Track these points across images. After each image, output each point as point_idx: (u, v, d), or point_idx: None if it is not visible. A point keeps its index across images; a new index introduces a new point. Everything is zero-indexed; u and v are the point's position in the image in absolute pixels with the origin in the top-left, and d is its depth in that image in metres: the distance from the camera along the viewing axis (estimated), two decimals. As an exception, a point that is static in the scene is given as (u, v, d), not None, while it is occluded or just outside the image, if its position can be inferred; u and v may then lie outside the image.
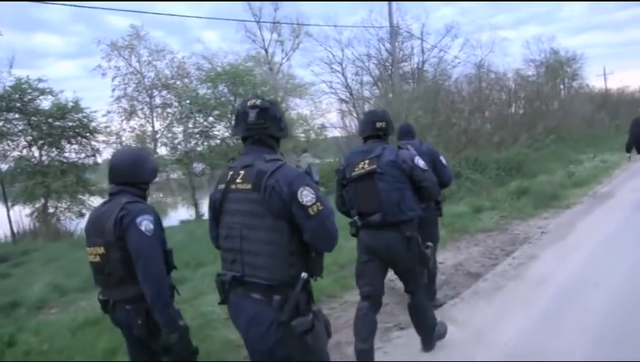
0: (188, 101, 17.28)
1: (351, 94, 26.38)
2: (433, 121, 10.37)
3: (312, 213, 1.88)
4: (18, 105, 16.95)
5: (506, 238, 6.90)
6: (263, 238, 1.92)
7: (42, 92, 17.40)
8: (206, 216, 13.87)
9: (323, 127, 24.99)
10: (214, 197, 2.12)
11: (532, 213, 8.30)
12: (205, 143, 17.75)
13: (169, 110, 19.24)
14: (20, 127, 17.45)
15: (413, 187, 3.05)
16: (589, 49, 73.00)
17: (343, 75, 27.20)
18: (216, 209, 2.10)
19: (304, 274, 1.92)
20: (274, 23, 26.64)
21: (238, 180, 2.00)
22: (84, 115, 17.57)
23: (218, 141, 17.92)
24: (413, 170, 3.02)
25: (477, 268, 5.58)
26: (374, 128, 3.19)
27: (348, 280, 4.84)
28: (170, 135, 17.97)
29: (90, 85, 59.03)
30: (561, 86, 35.15)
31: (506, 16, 55.92)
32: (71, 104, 17.46)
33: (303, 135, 22.73)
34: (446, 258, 5.99)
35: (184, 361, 2.34)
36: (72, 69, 48.81)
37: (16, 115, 17.21)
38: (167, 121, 18.71)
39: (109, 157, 20.79)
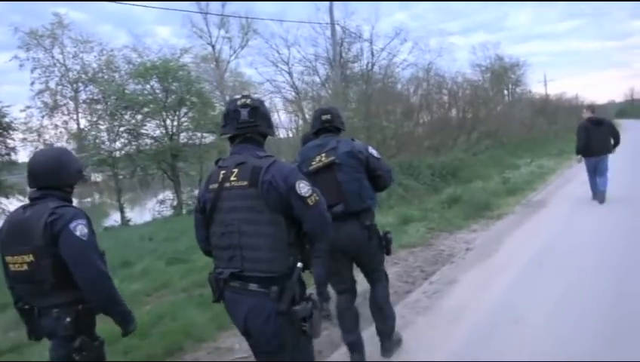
0: (114, 97, 15.77)
1: (297, 94, 25.42)
2: (366, 124, 9.60)
3: (311, 203, 1.99)
4: None
5: (429, 256, 6.15)
6: (262, 232, 1.97)
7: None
8: (133, 222, 12.53)
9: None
10: (205, 198, 2.14)
11: (461, 224, 7.63)
12: (134, 143, 16.32)
13: (98, 106, 17.63)
14: None
15: (368, 176, 3.05)
16: (532, 57, 75.82)
17: (289, 74, 26.24)
18: (206, 209, 2.12)
19: (300, 264, 2.02)
20: (220, 15, 25.30)
21: (232, 178, 2.03)
22: (-6, 110, 15.78)
23: (148, 141, 16.54)
24: (368, 159, 3.03)
25: (388, 296, 4.75)
26: (321, 121, 3.16)
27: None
28: (94, 133, 16.34)
29: (25, 79, 54.84)
30: (505, 91, 35.61)
31: (456, 24, 56.87)
32: (-21, 98, 15.64)
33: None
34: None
35: None
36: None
37: None
38: (95, 118, 17.03)
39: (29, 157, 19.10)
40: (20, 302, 2.29)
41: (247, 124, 2.09)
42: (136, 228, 14.40)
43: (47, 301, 2.15)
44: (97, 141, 15.89)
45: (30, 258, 2.13)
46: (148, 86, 16.16)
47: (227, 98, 25.47)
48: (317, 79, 25.97)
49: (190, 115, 17.30)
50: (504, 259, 5.58)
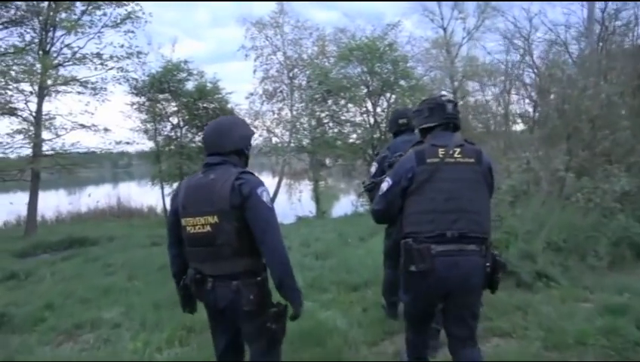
0: (317, 82, 14.40)
1: (537, 75, 20.02)
2: (633, 102, 5.30)
3: (494, 183, 2.47)
4: (168, 86, 16.60)
5: None
6: (482, 200, 2.34)
7: (190, 73, 16.78)
8: (333, 215, 11.16)
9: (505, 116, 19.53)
10: (417, 170, 2.33)
11: None
12: (336, 129, 14.74)
13: (307, 92, 16.75)
14: (174, 109, 17.16)
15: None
16: None
17: (528, 52, 20.86)
18: (414, 180, 2.33)
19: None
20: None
21: (457, 155, 2.33)
22: (220, 95, 16.40)
23: (351, 128, 14.73)
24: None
25: None
26: (397, 124, 3.57)
27: None
28: (297, 118, 15.41)
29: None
30: None
31: None
32: (209, 84, 16.46)
33: (481, 125, 17.85)
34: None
35: (272, 345, 2.19)
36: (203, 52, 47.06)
37: (168, 96, 16.95)
38: (302, 104, 16.14)
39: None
40: (179, 273, 2.29)
41: (452, 115, 2.45)
42: (326, 222, 12.78)
43: (225, 267, 2.07)
44: (299, 126, 14.88)
45: (215, 219, 2.05)
46: (353, 69, 14.26)
47: (456, 84, 22.17)
48: (567, 58, 20.11)
49: (399, 100, 14.77)
50: None
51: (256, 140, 17.57)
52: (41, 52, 14.06)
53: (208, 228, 2.04)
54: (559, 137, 6.03)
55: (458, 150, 2.31)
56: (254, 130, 17.79)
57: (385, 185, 2.44)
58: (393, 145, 3.43)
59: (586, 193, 4.77)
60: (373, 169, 3.49)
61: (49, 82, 13.96)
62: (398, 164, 2.45)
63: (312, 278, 5.11)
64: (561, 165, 4.98)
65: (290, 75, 17.32)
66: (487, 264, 2.24)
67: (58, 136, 15.05)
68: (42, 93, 14.26)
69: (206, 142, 2.24)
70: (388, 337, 3.39)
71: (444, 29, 25.07)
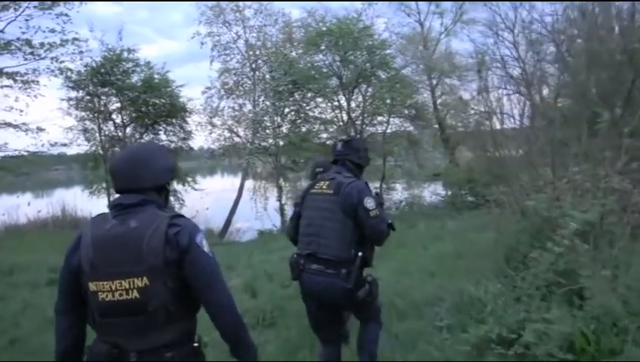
0: (281, 72, 11.89)
1: (524, 70, 18.01)
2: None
3: (372, 216, 2.49)
4: (112, 78, 13.78)
5: None
6: (335, 227, 2.50)
7: (136, 64, 14.03)
8: None
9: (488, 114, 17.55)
10: (304, 198, 2.72)
11: None
12: (304, 128, 12.27)
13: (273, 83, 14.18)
14: (117, 105, 14.36)
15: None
16: None
17: (513, 44, 18.81)
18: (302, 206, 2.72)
19: (360, 253, 2.49)
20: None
21: (324, 186, 2.60)
22: (171, 89, 13.70)
23: (319, 126, 12.27)
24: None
25: None
26: (314, 173, 3.46)
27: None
28: (257, 114, 12.79)
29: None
30: None
31: None
32: (157, 76, 13.73)
33: (460, 124, 15.81)
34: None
35: None
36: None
37: (111, 90, 14.13)
38: (262, 98, 13.54)
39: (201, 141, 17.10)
40: (70, 350, 1.64)
41: (340, 153, 2.74)
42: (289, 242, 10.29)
43: (156, 339, 1.52)
44: (261, 125, 12.31)
45: (144, 281, 1.50)
46: (321, 57, 11.79)
47: (434, 82, 20.12)
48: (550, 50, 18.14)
49: (376, 93, 12.42)
50: None
51: (216, 141, 14.92)
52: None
53: (135, 293, 1.49)
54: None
55: (327, 183, 2.60)
56: (213, 128, 15.37)
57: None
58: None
59: None
60: (290, 213, 3.50)
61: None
62: None
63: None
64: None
65: (253, 66, 14.69)
66: (349, 286, 2.40)
67: (-21, 135, 12.07)
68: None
69: (117, 176, 1.67)
70: None
71: (421, 24, 22.94)
